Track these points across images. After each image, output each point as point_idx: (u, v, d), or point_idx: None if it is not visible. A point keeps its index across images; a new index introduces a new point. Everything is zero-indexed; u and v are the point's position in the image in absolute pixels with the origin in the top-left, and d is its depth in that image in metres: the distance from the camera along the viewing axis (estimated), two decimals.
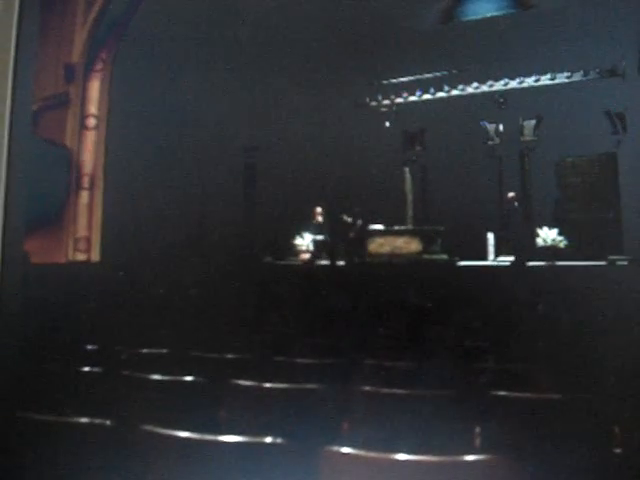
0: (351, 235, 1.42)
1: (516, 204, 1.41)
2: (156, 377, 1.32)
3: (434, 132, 1.50)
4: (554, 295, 1.29)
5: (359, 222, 1.42)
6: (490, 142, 1.51)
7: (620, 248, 1.36)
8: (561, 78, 1.48)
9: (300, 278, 1.44)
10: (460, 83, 1.53)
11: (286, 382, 1.30)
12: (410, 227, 1.46)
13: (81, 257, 1.46)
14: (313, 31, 1.46)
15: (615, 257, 1.35)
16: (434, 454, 1.23)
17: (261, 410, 1.28)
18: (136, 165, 1.44)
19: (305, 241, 1.43)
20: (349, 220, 1.42)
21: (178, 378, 1.32)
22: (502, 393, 1.26)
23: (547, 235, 1.42)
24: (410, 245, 1.48)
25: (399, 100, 1.56)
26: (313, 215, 1.38)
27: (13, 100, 1.37)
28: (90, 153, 1.50)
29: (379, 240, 1.46)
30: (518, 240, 1.43)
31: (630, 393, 1.23)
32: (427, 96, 1.55)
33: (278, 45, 1.45)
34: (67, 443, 1.31)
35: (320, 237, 1.41)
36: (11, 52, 1.37)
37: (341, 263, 1.45)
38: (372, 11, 1.46)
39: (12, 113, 1.37)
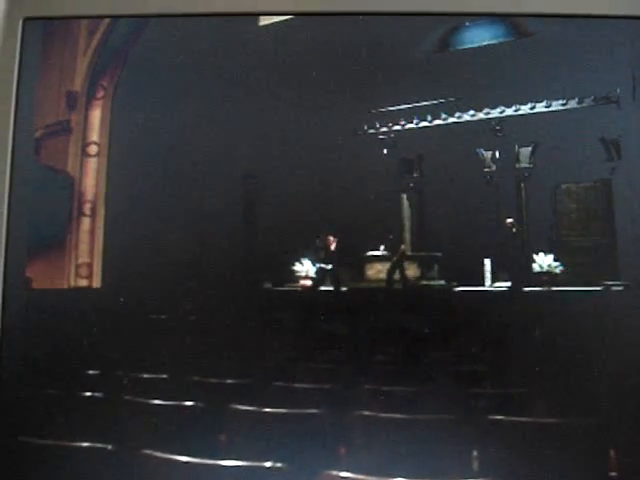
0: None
1: (514, 230, 1.43)
2: (157, 402, 1.33)
3: (431, 159, 1.51)
4: (551, 320, 1.31)
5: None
6: (486, 169, 1.53)
7: (616, 274, 1.37)
8: (556, 105, 1.49)
9: (299, 304, 1.46)
10: (457, 111, 1.54)
11: (285, 407, 1.31)
12: (408, 253, 1.48)
13: (83, 283, 1.47)
14: (311, 60, 1.47)
15: (610, 283, 1.36)
16: (432, 478, 1.24)
17: (261, 434, 1.29)
18: (137, 192, 1.45)
19: (305, 267, 1.45)
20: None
21: (178, 403, 1.33)
22: (500, 417, 1.27)
23: (543, 261, 1.43)
24: (408, 271, 1.49)
25: (397, 128, 1.58)
26: (327, 243, 1.40)
27: (15, 127, 1.39)
28: (92, 180, 1.51)
29: (377, 266, 1.48)
30: (515, 266, 1.45)
31: (626, 417, 1.24)
32: (424, 123, 1.57)
33: (277, 74, 1.47)
34: (68, 467, 1.32)
35: (325, 265, 1.44)
36: (14, 80, 1.39)
37: (340, 289, 1.47)
38: (369, 40, 1.47)
39: (14, 140, 1.39)
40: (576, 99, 1.41)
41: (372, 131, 1.50)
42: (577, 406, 1.25)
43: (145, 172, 1.44)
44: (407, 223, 1.49)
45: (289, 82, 1.44)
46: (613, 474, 1.21)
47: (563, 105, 1.42)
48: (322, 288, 1.44)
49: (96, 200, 1.44)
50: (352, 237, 1.44)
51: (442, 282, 1.42)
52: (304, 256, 1.42)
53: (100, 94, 1.49)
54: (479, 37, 1.43)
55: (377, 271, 1.44)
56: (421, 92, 1.46)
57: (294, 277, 1.44)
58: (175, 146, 1.45)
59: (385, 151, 1.52)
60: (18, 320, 1.32)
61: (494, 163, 1.51)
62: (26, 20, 1.39)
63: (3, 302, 1.31)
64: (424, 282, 1.42)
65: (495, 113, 1.47)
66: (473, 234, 1.43)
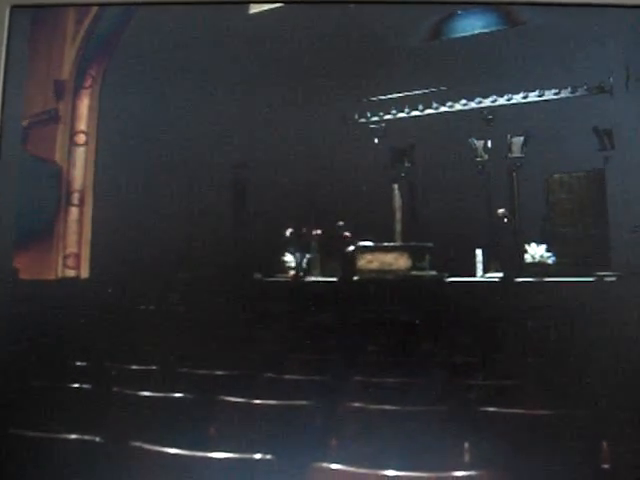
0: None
1: (506, 220, 1.42)
2: (145, 394, 1.32)
3: (423, 149, 1.50)
4: (543, 311, 1.30)
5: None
6: (478, 159, 1.52)
7: (608, 264, 1.36)
8: (549, 95, 1.48)
9: (289, 295, 1.45)
10: (448, 100, 1.53)
11: (275, 399, 1.30)
12: (399, 244, 1.47)
13: (70, 273, 1.46)
14: (302, 48, 1.45)
15: (603, 273, 1.36)
16: (423, 470, 1.24)
17: (250, 426, 1.28)
18: (125, 182, 1.44)
19: (295, 258, 1.44)
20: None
21: (167, 395, 1.32)
22: (491, 409, 1.26)
23: (535, 251, 1.42)
24: (399, 261, 1.48)
25: (388, 117, 1.57)
26: (301, 233, 1.39)
27: (2, 116, 1.37)
28: (80, 170, 1.49)
29: (368, 256, 1.47)
30: (507, 256, 1.44)
31: (618, 409, 1.23)
32: (416, 113, 1.56)
33: (267, 62, 1.45)
34: (56, 459, 1.31)
35: (308, 254, 1.43)
36: (1, 68, 1.38)
37: (330, 280, 1.46)
38: (360, 28, 1.46)
39: (1, 129, 1.37)
40: (569, 88, 1.40)
41: (363, 120, 1.49)
42: (569, 397, 1.24)
43: (134, 161, 1.43)
44: (398, 213, 1.48)
45: (279, 71, 1.42)
46: (605, 466, 1.21)
47: (556, 94, 1.42)
48: (312, 279, 1.43)
49: (84, 190, 1.43)
50: (343, 227, 1.43)
51: (433, 272, 1.41)
52: (292, 247, 1.42)
53: (88, 83, 1.48)
54: (471, 26, 1.42)
55: (367, 261, 1.43)
56: (413, 81, 1.45)
57: (284, 267, 1.43)
58: (164, 135, 1.44)
59: (376, 140, 1.51)
60: (5, 311, 1.31)
61: (486, 153, 1.50)
62: (13, 8, 1.37)
63: None
64: (415, 272, 1.42)
65: (487, 102, 1.46)
66: (465, 224, 1.42)
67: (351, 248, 1.45)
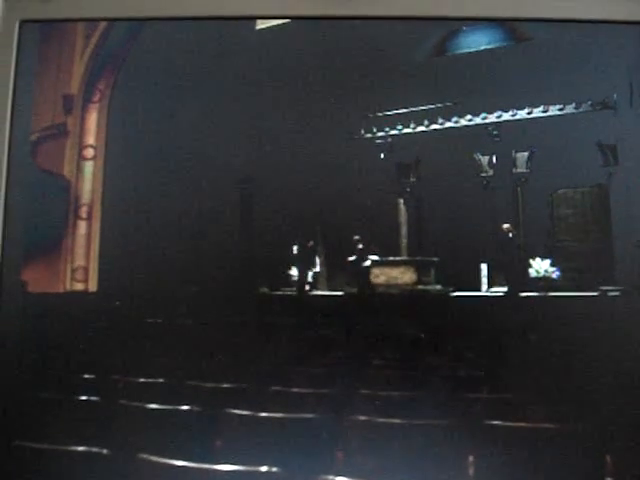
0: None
1: (510, 235, 1.43)
2: (153, 406, 1.33)
3: (428, 164, 1.51)
4: (547, 325, 1.31)
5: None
6: (483, 174, 1.53)
7: (612, 279, 1.37)
8: (554, 110, 1.49)
9: (295, 308, 1.46)
10: (454, 115, 1.55)
11: (282, 411, 1.31)
12: (405, 258, 1.47)
13: (79, 287, 1.47)
14: (308, 64, 1.46)
15: (607, 288, 1.36)
16: None
17: (257, 439, 1.29)
18: (133, 196, 1.45)
19: (300, 272, 1.45)
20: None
21: (174, 407, 1.33)
22: (496, 422, 1.26)
23: (540, 266, 1.43)
24: (405, 276, 1.49)
25: (393, 132, 1.58)
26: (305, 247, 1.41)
27: (12, 130, 1.38)
28: (88, 184, 1.50)
29: (375, 271, 1.48)
30: (511, 271, 1.45)
31: (622, 423, 1.24)
32: (421, 128, 1.58)
33: (273, 78, 1.47)
34: (64, 472, 1.32)
35: (316, 269, 1.45)
36: (10, 82, 1.39)
37: (336, 294, 1.48)
38: (366, 44, 1.47)
39: (11, 143, 1.38)
40: (573, 104, 1.41)
41: (369, 135, 1.50)
42: (573, 411, 1.25)
43: (141, 176, 1.44)
44: (404, 228, 1.49)
45: (286, 86, 1.43)
46: (609, 479, 1.21)
47: (560, 110, 1.43)
48: (318, 293, 1.44)
49: (92, 203, 1.44)
50: (349, 242, 1.44)
51: (438, 287, 1.42)
52: (300, 260, 1.43)
53: (96, 97, 1.49)
54: (477, 42, 1.43)
55: (374, 275, 1.44)
56: (418, 96, 1.45)
57: (290, 281, 1.44)
58: (171, 150, 1.45)
59: (382, 155, 1.52)
60: (13, 324, 1.32)
61: (491, 168, 1.51)
62: (23, 22, 1.38)
63: None
64: (420, 287, 1.43)
65: (492, 118, 1.47)
66: (470, 239, 1.42)
67: (366, 263, 1.46)
